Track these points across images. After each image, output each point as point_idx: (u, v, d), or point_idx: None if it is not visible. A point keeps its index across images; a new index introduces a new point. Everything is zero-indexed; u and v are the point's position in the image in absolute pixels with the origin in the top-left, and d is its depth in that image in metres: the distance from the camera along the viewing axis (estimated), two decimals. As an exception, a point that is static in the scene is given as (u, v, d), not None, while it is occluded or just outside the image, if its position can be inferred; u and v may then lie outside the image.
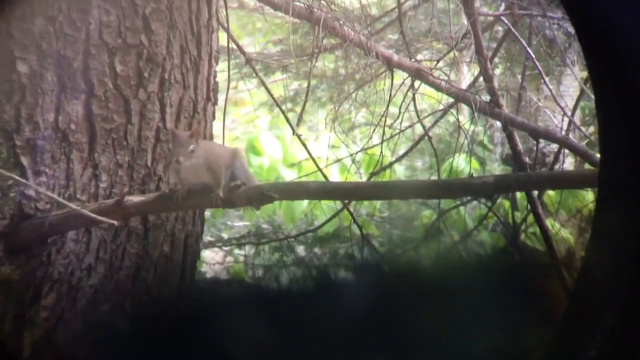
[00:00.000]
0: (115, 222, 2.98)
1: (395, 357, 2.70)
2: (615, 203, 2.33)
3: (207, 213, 3.88)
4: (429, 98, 4.32)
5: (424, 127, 4.16)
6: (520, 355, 2.71)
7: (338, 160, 4.57)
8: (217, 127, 3.75)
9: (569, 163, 4.29)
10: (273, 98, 4.18)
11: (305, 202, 4.52)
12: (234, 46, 4.13)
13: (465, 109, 4.35)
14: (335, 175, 4.54)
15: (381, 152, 4.22)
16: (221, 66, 3.86)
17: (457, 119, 4.09)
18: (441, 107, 4.18)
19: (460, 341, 2.70)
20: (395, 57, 4.05)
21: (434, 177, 4.29)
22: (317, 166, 4.11)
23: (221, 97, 3.75)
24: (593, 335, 2.32)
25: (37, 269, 3.14)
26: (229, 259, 5.10)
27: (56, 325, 3.14)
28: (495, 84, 3.95)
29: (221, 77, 3.77)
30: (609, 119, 2.35)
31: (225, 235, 5.18)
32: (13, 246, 3.09)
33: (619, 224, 2.30)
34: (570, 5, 2.41)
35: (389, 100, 4.06)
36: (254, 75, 4.32)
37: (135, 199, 3.13)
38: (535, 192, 3.87)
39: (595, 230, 2.49)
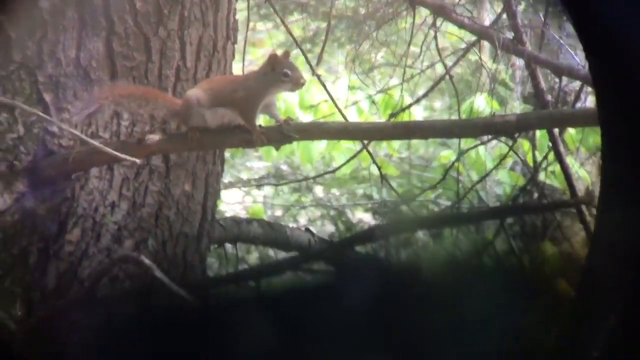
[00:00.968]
0: (137, 160, 3.01)
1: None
2: (618, 203, 2.32)
3: (227, 154, 3.88)
4: (451, 36, 4.26)
5: (445, 66, 4.11)
6: (524, 355, 2.74)
7: (356, 102, 4.54)
8: (236, 67, 3.72)
9: (590, 101, 4.24)
10: (293, 37, 4.13)
11: (323, 144, 4.50)
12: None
13: (487, 48, 4.29)
14: (353, 117, 4.50)
15: (401, 92, 4.18)
16: (240, 5, 3.82)
17: (480, 57, 4.04)
18: (463, 45, 4.12)
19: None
20: (418, -7, 3.98)
21: (454, 117, 4.26)
22: (337, 107, 4.09)
23: (240, 38, 3.72)
24: (596, 335, 2.33)
25: (61, 205, 3.18)
26: (248, 199, 5.13)
27: (81, 260, 3.21)
28: (519, 20, 3.89)
29: (240, 17, 3.73)
30: (611, 119, 2.33)
31: (244, 176, 5.20)
32: (37, 181, 3.13)
33: (621, 223, 2.30)
34: (570, 4, 2.36)
35: (410, 39, 4.01)
36: (273, 15, 4.27)
37: (156, 137, 3.14)
38: (556, 130, 3.84)
39: (598, 229, 2.51)
